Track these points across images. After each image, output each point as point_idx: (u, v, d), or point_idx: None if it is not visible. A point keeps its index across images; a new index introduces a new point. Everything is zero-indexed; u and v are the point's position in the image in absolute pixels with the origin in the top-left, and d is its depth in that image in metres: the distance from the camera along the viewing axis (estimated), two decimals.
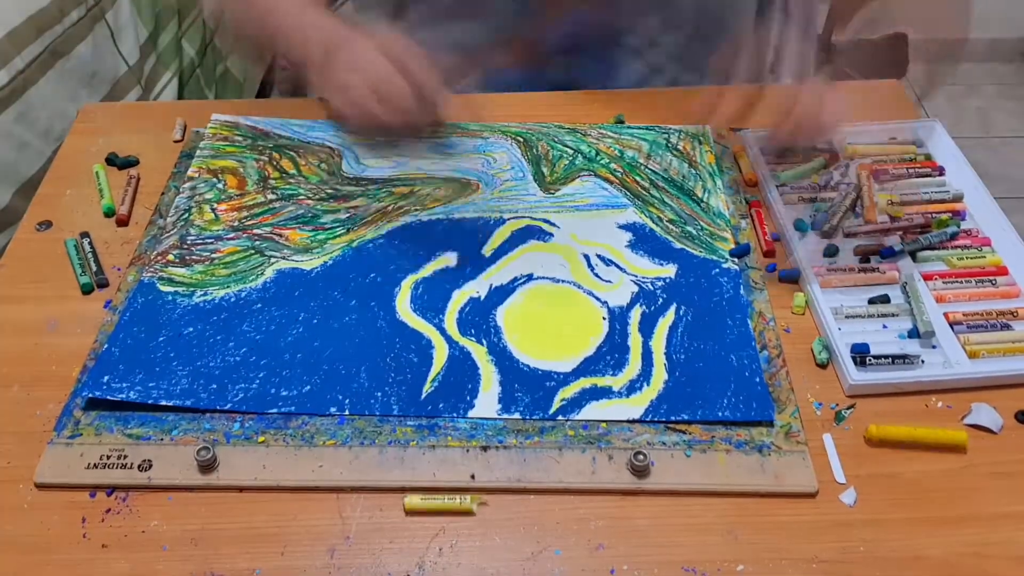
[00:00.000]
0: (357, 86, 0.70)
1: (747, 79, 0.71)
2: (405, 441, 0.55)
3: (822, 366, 0.60)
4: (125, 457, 0.55)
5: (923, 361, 0.59)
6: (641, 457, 0.53)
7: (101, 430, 0.56)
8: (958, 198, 0.71)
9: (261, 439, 0.56)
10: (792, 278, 0.65)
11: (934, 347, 0.60)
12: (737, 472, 0.54)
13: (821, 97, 0.70)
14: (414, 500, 0.53)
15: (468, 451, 0.55)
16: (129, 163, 0.77)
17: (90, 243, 0.69)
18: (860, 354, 0.59)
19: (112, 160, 0.77)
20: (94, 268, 0.67)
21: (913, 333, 0.61)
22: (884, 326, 0.62)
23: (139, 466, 0.54)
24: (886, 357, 0.58)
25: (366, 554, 0.51)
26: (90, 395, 0.57)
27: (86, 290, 0.66)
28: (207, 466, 0.54)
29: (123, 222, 0.71)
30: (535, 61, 0.87)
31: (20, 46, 0.95)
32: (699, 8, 0.87)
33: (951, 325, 0.61)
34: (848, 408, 0.57)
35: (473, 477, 0.54)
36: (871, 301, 0.63)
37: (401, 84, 0.69)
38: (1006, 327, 0.61)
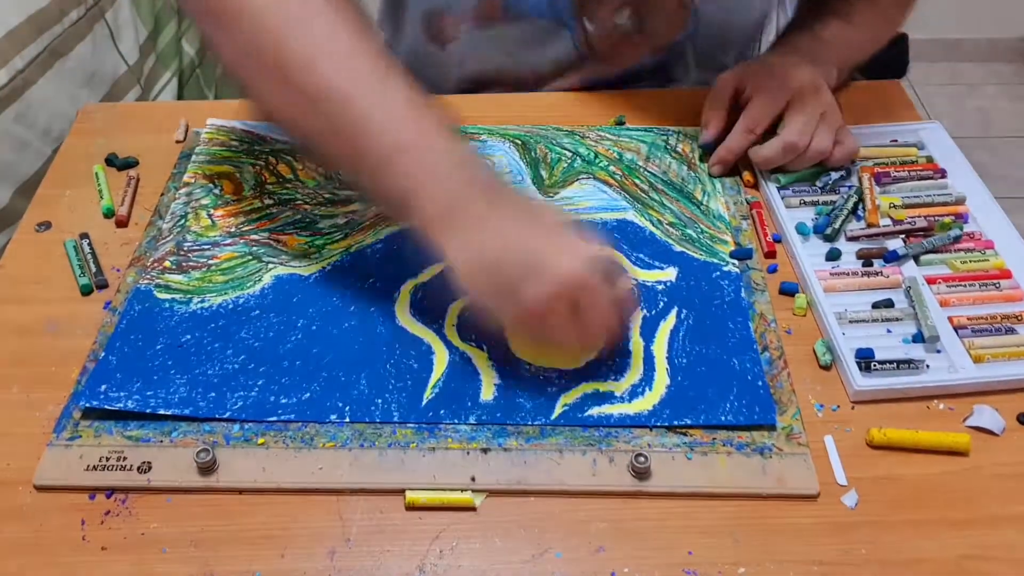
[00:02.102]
0: (561, 318, 0.53)
1: (758, 118, 0.72)
2: (405, 443, 0.55)
3: (826, 368, 0.60)
4: (124, 459, 0.54)
5: (928, 366, 0.59)
6: (642, 459, 0.53)
7: (100, 432, 0.56)
8: (960, 201, 0.71)
9: (261, 441, 0.55)
10: (791, 292, 0.65)
11: (939, 351, 0.60)
12: (738, 474, 0.54)
13: (831, 137, 0.71)
14: (415, 494, 0.52)
15: (468, 453, 0.55)
16: (128, 164, 0.76)
17: (90, 244, 0.69)
18: (865, 359, 0.59)
19: (112, 161, 0.77)
20: (93, 269, 0.67)
21: (918, 337, 0.60)
22: (888, 330, 0.62)
23: (139, 468, 0.54)
24: (891, 362, 0.58)
25: (366, 556, 0.51)
26: (87, 405, 0.57)
27: (85, 291, 0.65)
28: (207, 468, 0.54)
29: (123, 223, 0.71)
30: (584, 90, 0.86)
31: (20, 46, 0.95)
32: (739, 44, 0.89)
33: (956, 329, 0.61)
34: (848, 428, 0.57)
35: (473, 479, 0.54)
36: (875, 305, 0.63)
37: (615, 313, 0.55)
38: (1011, 331, 0.61)
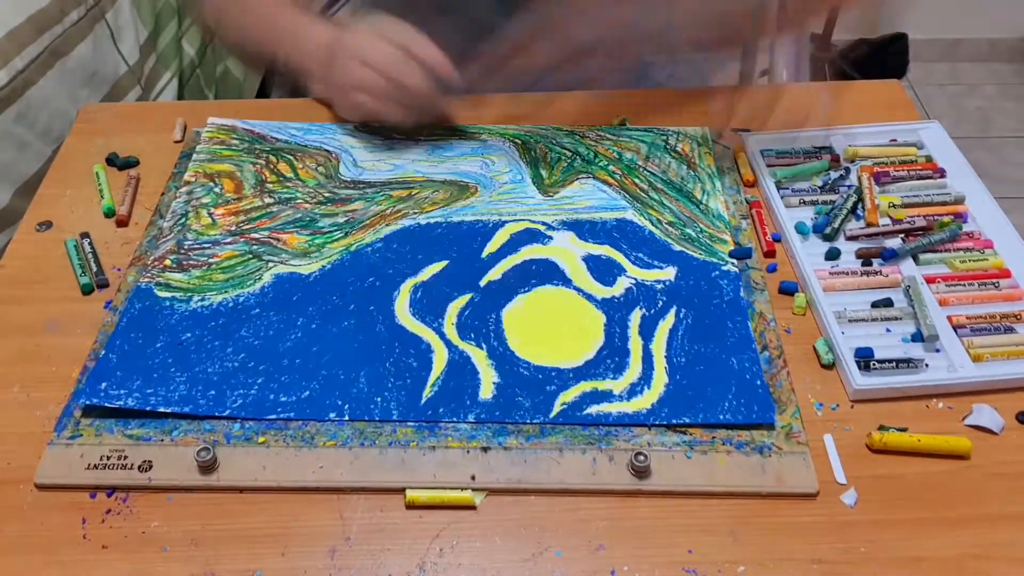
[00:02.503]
0: (369, 78, 0.70)
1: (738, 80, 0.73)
2: (406, 442, 0.55)
3: (828, 367, 0.60)
4: (125, 458, 0.55)
5: (927, 365, 0.59)
6: (642, 458, 0.53)
7: (101, 431, 0.56)
8: (959, 200, 0.71)
9: (261, 440, 0.55)
10: (790, 291, 0.65)
11: (938, 351, 0.60)
12: (738, 473, 0.54)
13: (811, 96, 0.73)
14: (416, 493, 0.53)
15: (468, 452, 0.55)
16: (129, 163, 0.77)
17: (90, 243, 0.69)
18: (864, 358, 0.59)
19: (112, 161, 0.77)
20: (94, 268, 0.67)
21: (917, 337, 0.61)
22: (887, 329, 0.62)
23: (139, 467, 0.54)
24: (890, 361, 0.58)
25: (367, 555, 0.51)
26: (87, 402, 0.57)
27: (86, 290, 0.66)
28: (207, 467, 0.54)
29: (123, 222, 0.71)
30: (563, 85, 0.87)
31: (20, 46, 0.95)
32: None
33: (955, 328, 0.61)
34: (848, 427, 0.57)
35: (474, 478, 0.54)
36: (874, 304, 0.63)
37: (415, 68, 0.69)
38: (1009, 330, 0.61)
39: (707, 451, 0.55)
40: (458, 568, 0.50)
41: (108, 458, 0.55)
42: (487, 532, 0.52)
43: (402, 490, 0.53)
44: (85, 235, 0.69)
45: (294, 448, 0.55)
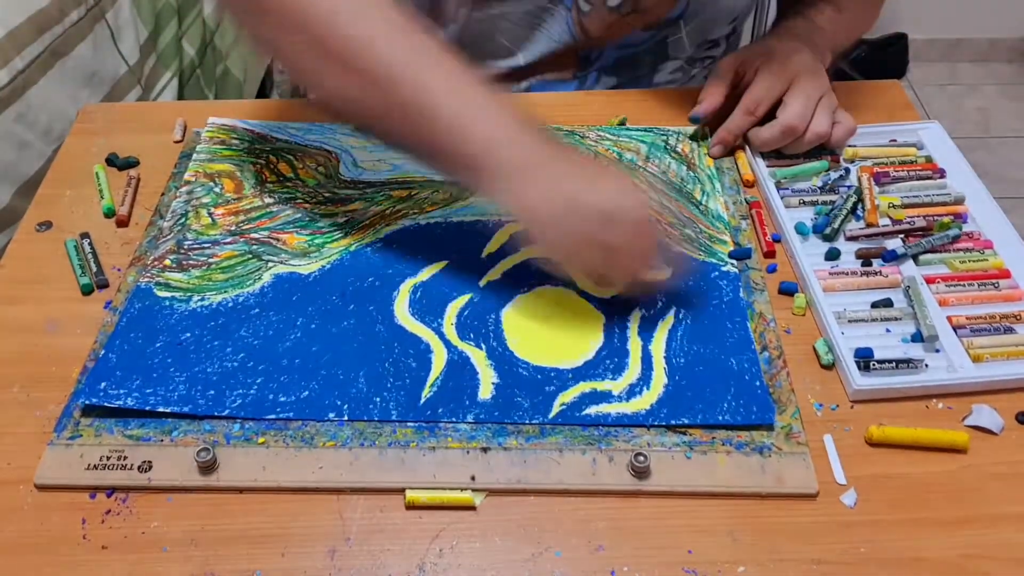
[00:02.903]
0: (633, 265, 0.60)
1: (759, 99, 0.74)
2: (405, 442, 0.55)
3: (828, 367, 0.60)
4: (125, 458, 0.55)
5: (927, 365, 0.59)
6: (642, 458, 0.53)
7: (101, 431, 0.56)
8: (959, 200, 0.71)
9: (261, 440, 0.55)
10: (790, 291, 0.65)
11: (938, 351, 0.60)
12: (738, 473, 0.54)
13: (830, 120, 0.73)
14: (416, 493, 0.53)
15: (468, 452, 0.55)
16: (129, 164, 0.77)
17: (90, 244, 0.69)
18: (864, 359, 0.59)
19: (112, 161, 0.77)
20: (94, 269, 0.67)
21: (916, 337, 0.61)
22: (887, 330, 0.62)
23: (139, 467, 0.54)
24: (890, 362, 0.58)
25: (366, 555, 0.51)
26: (87, 402, 0.57)
27: (86, 291, 0.66)
28: (207, 467, 0.54)
29: (123, 223, 0.71)
30: (580, 72, 0.87)
31: (20, 46, 0.95)
32: (728, 31, 0.89)
33: (954, 329, 0.61)
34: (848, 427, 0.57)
35: (473, 478, 0.54)
36: (874, 305, 0.63)
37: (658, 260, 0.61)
38: (1009, 330, 0.61)
39: (707, 451, 0.55)
40: (458, 568, 0.50)
41: (108, 458, 0.55)
42: (487, 532, 0.52)
43: (402, 490, 0.53)
44: (85, 235, 0.69)
45: (294, 448, 0.55)
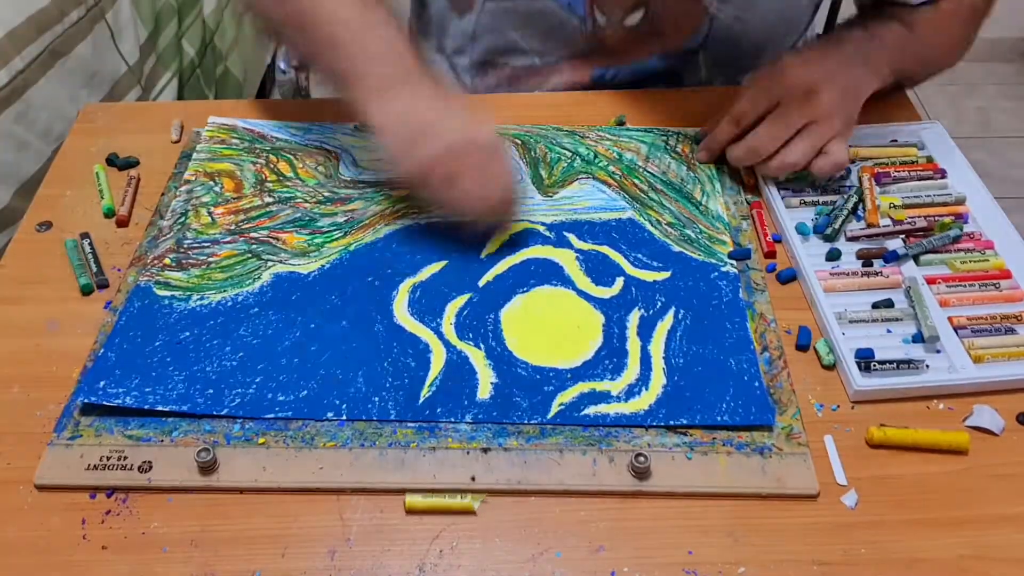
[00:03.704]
0: (478, 195, 0.64)
1: (741, 113, 0.71)
2: (406, 443, 0.55)
3: (829, 368, 0.60)
4: (125, 458, 0.54)
5: (928, 366, 0.59)
6: (642, 459, 0.53)
7: (101, 431, 0.56)
8: (960, 201, 0.71)
9: (261, 441, 0.55)
10: (790, 277, 0.65)
11: (938, 351, 0.60)
12: (738, 474, 0.54)
13: (807, 152, 0.69)
14: (415, 499, 0.53)
15: (468, 453, 0.55)
16: (129, 164, 0.76)
17: (90, 244, 0.69)
18: (865, 359, 0.59)
19: (112, 161, 0.76)
20: (94, 269, 0.67)
21: (917, 338, 0.61)
22: (888, 330, 0.62)
23: (139, 467, 0.54)
24: (891, 362, 0.58)
25: (366, 556, 0.51)
26: (86, 401, 0.57)
27: (86, 291, 0.65)
28: (207, 468, 0.54)
29: (123, 223, 0.71)
30: (591, 87, 0.87)
31: (20, 46, 0.95)
32: (752, 55, 0.87)
33: (955, 329, 0.61)
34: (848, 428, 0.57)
35: (474, 479, 0.54)
36: (875, 305, 0.63)
37: (511, 198, 0.66)
38: (1010, 331, 0.61)
39: (707, 452, 0.55)
40: (458, 569, 0.50)
41: (108, 458, 0.54)
42: (487, 533, 0.52)
43: (402, 491, 0.53)
44: (85, 235, 0.69)
45: (294, 449, 0.55)
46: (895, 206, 0.70)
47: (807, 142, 0.68)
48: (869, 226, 0.69)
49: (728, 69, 0.86)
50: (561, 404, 0.57)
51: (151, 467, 0.54)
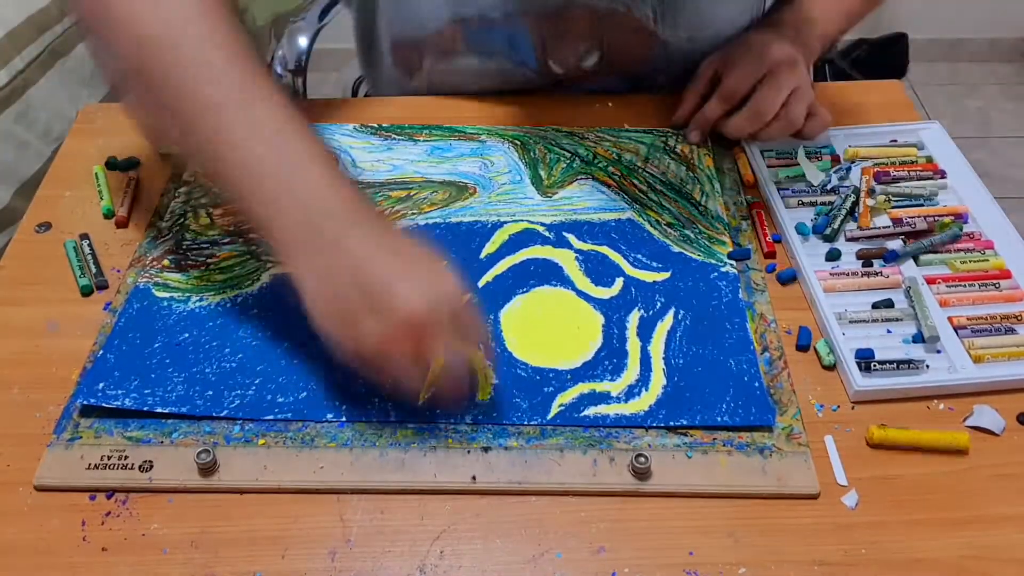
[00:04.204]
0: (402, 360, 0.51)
1: (733, 89, 0.75)
2: (406, 443, 0.55)
3: (829, 368, 0.60)
4: (126, 457, 0.54)
5: (928, 366, 0.59)
6: (642, 459, 0.53)
7: (101, 433, 0.56)
8: (960, 201, 0.71)
9: (262, 441, 0.55)
10: (790, 277, 0.65)
11: (939, 352, 0.60)
12: (738, 474, 0.54)
13: (802, 112, 0.73)
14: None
15: (469, 452, 0.55)
16: (129, 165, 0.76)
17: (90, 245, 0.69)
18: (865, 359, 0.59)
19: (112, 164, 0.76)
20: (94, 270, 0.67)
21: (917, 338, 0.61)
22: (888, 331, 0.62)
23: (140, 467, 0.54)
24: (891, 362, 0.58)
25: (367, 557, 0.51)
26: (85, 402, 0.57)
27: (86, 292, 0.65)
28: (207, 469, 0.53)
29: (123, 224, 0.71)
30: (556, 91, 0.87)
31: (20, 46, 0.95)
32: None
33: (955, 329, 0.61)
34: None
35: (474, 479, 0.54)
36: (875, 306, 0.63)
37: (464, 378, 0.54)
38: (1010, 331, 0.61)
39: (707, 452, 0.55)
40: (459, 570, 0.50)
41: (108, 458, 0.54)
42: (487, 534, 0.52)
43: (402, 491, 0.53)
44: (84, 236, 0.69)
45: (294, 449, 0.55)
46: (889, 200, 0.70)
47: (800, 104, 0.74)
48: (860, 228, 0.69)
49: (686, 82, 0.87)
50: (561, 405, 0.57)
51: (152, 467, 0.54)
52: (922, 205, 0.71)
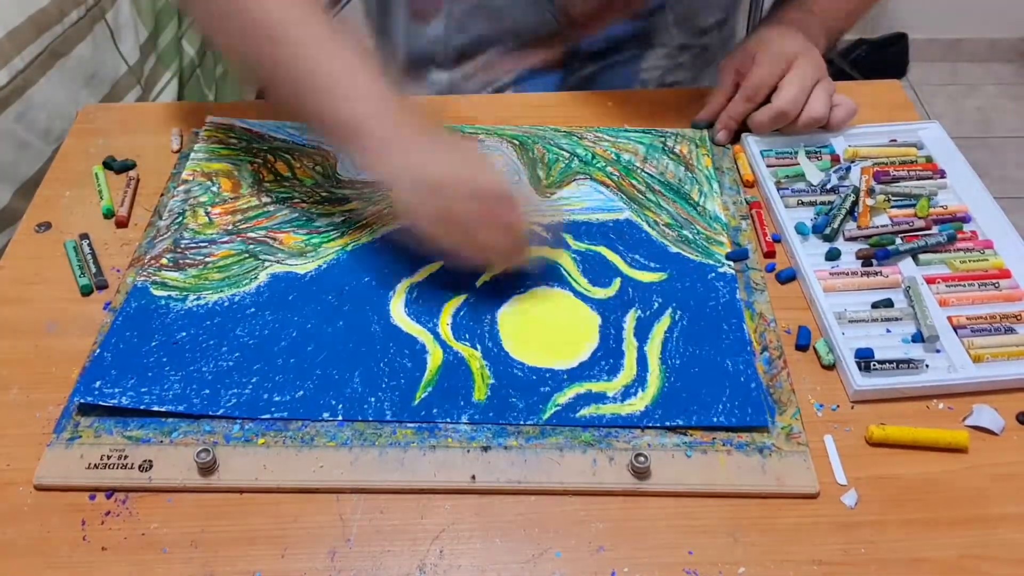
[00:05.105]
0: (494, 246, 0.61)
1: (757, 86, 0.76)
2: (405, 443, 0.55)
3: (828, 368, 0.60)
4: (126, 457, 0.54)
5: (927, 366, 0.59)
6: (642, 459, 0.53)
7: (100, 432, 0.56)
8: (960, 200, 0.71)
9: (261, 441, 0.55)
10: (790, 277, 0.65)
11: (938, 351, 0.60)
12: (738, 473, 0.54)
13: (827, 104, 0.75)
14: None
15: (468, 452, 0.55)
16: (127, 167, 0.76)
17: (89, 245, 0.69)
18: (864, 359, 0.59)
19: (110, 164, 0.76)
20: (93, 270, 0.67)
21: (917, 337, 0.61)
22: (888, 330, 0.62)
23: (140, 466, 0.54)
24: (891, 362, 0.58)
25: (366, 556, 0.51)
26: (82, 400, 0.57)
27: (85, 292, 0.65)
28: (207, 468, 0.54)
29: (123, 223, 0.71)
30: (564, 64, 0.88)
31: (20, 46, 0.95)
32: (720, 18, 0.90)
33: (955, 329, 0.61)
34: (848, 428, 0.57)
35: (474, 478, 0.54)
36: (874, 305, 0.63)
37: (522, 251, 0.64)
38: (1010, 331, 0.61)
39: (707, 451, 0.55)
40: (458, 570, 0.50)
41: (108, 457, 0.54)
42: (487, 533, 0.52)
43: (402, 491, 0.53)
44: (85, 236, 0.69)
45: (294, 449, 0.55)
46: (888, 196, 0.70)
47: (824, 97, 0.75)
48: (859, 228, 0.69)
49: (693, 22, 0.88)
50: (557, 405, 0.57)
51: (151, 466, 0.54)
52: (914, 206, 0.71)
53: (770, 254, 0.68)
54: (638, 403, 0.57)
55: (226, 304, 0.63)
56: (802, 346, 0.61)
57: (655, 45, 0.89)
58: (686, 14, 0.86)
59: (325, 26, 0.62)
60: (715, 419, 0.56)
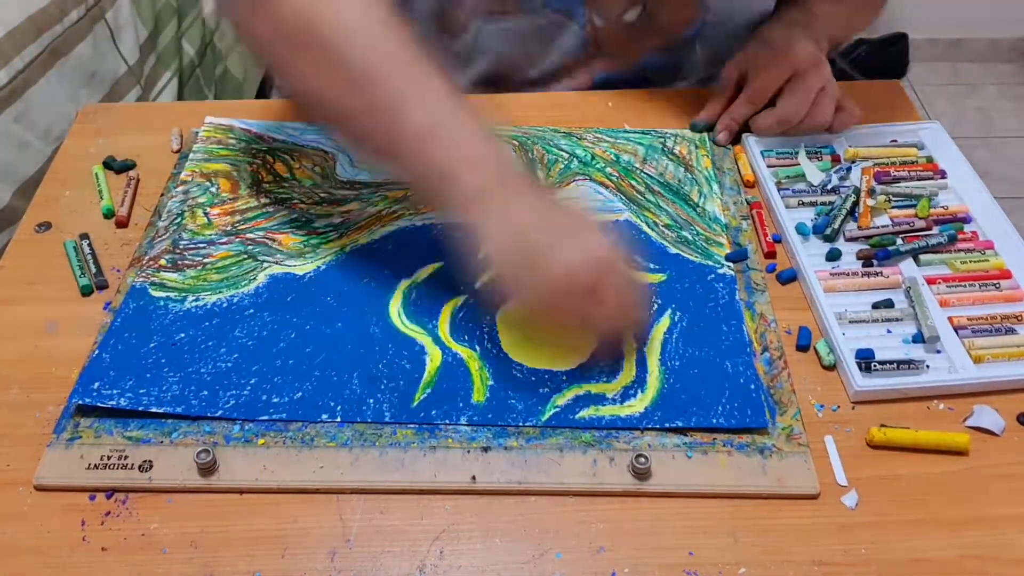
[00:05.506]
0: (617, 311, 0.57)
1: (761, 89, 0.76)
2: (405, 443, 0.55)
3: (829, 368, 0.60)
4: (126, 457, 0.54)
5: (928, 366, 0.59)
6: (642, 459, 0.53)
7: (100, 432, 0.56)
8: (960, 201, 0.71)
9: (261, 441, 0.55)
10: (790, 277, 0.65)
11: (939, 352, 0.60)
12: (738, 474, 0.54)
13: (831, 112, 0.75)
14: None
15: (469, 452, 0.55)
16: (126, 167, 0.76)
17: (89, 245, 0.69)
18: (865, 360, 0.59)
19: (110, 164, 0.76)
20: (93, 270, 0.67)
21: (918, 338, 0.61)
22: (888, 331, 0.62)
23: (139, 467, 0.54)
24: (891, 362, 0.58)
25: (366, 557, 0.51)
26: (80, 402, 0.57)
27: (85, 292, 0.65)
28: (207, 468, 0.53)
29: (123, 223, 0.71)
30: (590, 87, 0.88)
31: (20, 46, 0.95)
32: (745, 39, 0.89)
33: (956, 329, 0.61)
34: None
35: (474, 478, 0.54)
36: (875, 306, 0.63)
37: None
38: (1010, 331, 0.61)
39: (707, 452, 0.55)
40: (458, 570, 0.50)
41: (108, 458, 0.54)
42: (487, 534, 0.52)
43: (402, 491, 0.53)
44: (85, 236, 0.69)
45: (294, 449, 0.55)
46: (888, 198, 0.70)
47: (828, 103, 0.75)
48: (860, 228, 0.69)
49: (723, 56, 0.87)
50: (556, 407, 0.57)
51: (151, 466, 0.54)
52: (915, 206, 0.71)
53: (771, 254, 0.68)
54: (637, 404, 0.57)
55: (225, 305, 0.63)
56: (803, 346, 0.61)
57: (680, 78, 0.90)
58: (714, 47, 0.85)
59: (407, 49, 0.58)
60: (714, 420, 0.56)
